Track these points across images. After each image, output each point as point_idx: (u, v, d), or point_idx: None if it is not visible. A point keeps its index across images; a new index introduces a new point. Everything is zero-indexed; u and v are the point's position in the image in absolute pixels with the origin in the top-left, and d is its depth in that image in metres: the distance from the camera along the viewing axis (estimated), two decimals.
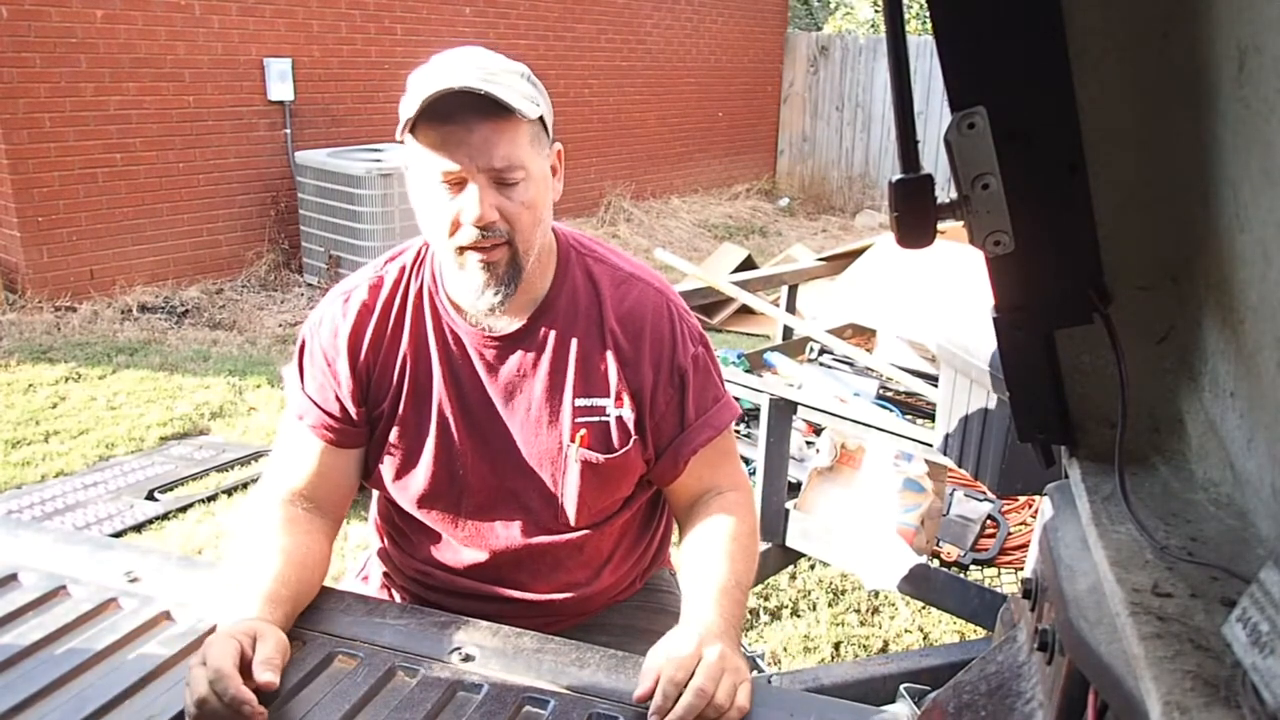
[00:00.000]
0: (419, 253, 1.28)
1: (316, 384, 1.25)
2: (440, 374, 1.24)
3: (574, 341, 1.24)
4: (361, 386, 1.25)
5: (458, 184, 1.11)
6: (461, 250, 1.14)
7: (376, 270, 1.28)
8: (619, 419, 1.24)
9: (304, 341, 1.28)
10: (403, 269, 1.27)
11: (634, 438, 1.25)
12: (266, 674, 0.97)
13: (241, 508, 3.20)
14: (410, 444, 1.26)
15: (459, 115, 1.07)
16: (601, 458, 1.24)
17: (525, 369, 1.24)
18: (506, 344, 1.24)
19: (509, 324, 1.23)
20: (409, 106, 1.08)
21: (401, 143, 1.14)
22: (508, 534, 1.29)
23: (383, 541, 1.42)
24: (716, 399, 1.31)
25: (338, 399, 1.24)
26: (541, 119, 1.15)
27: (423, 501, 1.28)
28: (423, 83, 1.08)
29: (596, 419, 1.24)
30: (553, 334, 1.24)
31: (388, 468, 1.28)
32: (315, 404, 1.25)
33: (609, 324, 1.25)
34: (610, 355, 1.24)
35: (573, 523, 1.28)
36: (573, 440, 1.24)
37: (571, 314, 1.25)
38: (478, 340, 1.24)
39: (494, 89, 1.06)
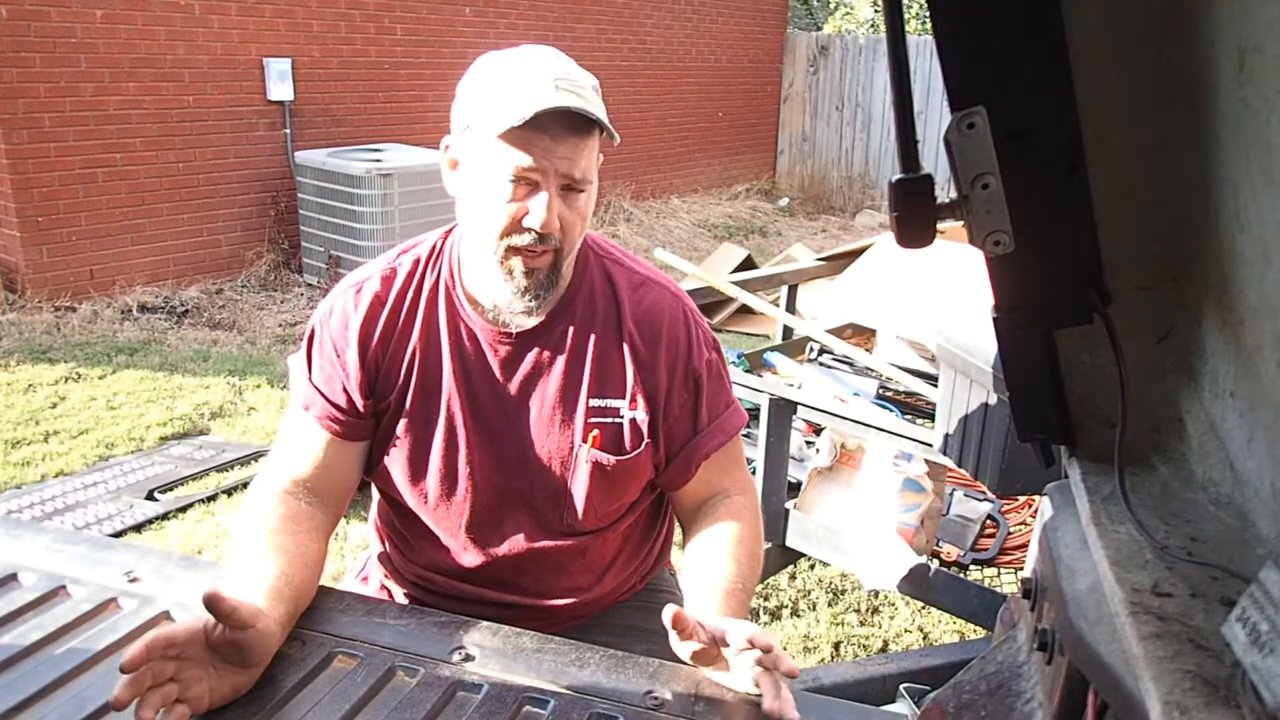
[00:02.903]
0: (435, 245, 1.28)
1: (324, 375, 1.25)
2: (450, 369, 1.23)
3: (591, 341, 1.24)
4: (369, 378, 1.24)
5: (528, 185, 1.12)
6: (509, 250, 1.14)
7: (390, 262, 1.28)
8: (633, 421, 1.24)
9: (313, 331, 1.28)
10: (417, 261, 1.27)
11: (646, 440, 1.25)
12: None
13: (243, 502, 3.20)
14: (416, 439, 1.25)
15: (550, 126, 1.09)
16: (613, 459, 1.24)
17: (540, 367, 1.24)
18: (522, 341, 1.24)
19: (526, 321, 1.23)
20: (500, 108, 1.08)
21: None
22: (512, 536, 1.28)
23: (383, 545, 1.41)
24: (728, 404, 1.32)
25: (345, 390, 1.24)
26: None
27: (427, 498, 1.27)
28: (512, 87, 1.09)
29: (610, 420, 1.24)
30: (570, 333, 1.24)
31: (392, 462, 1.27)
32: (322, 395, 1.24)
33: (626, 326, 1.25)
34: (627, 356, 1.24)
35: (579, 525, 1.28)
36: (585, 440, 1.24)
37: (589, 314, 1.25)
38: (492, 336, 1.24)
39: (588, 107, 1.09)
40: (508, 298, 1.17)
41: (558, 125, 1.09)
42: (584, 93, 1.11)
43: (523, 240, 1.13)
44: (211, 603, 0.92)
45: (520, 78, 1.10)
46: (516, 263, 1.15)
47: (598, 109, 1.12)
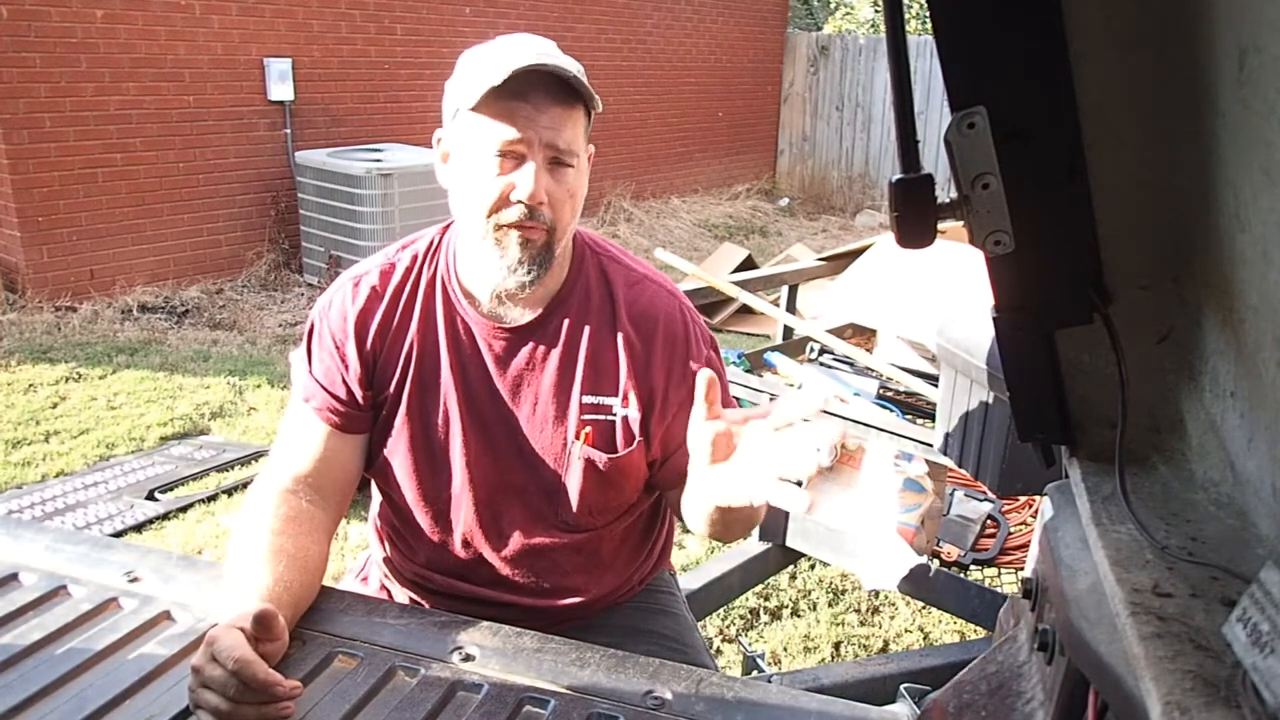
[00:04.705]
0: (432, 241, 1.29)
1: (324, 367, 1.26)
2: (448, 363, 1.24)
3: (585, 337, 1.24)
4: (368, 370, 1.25)
5: (514, 160, 1.12)
6: (501, 227, 1.14)
7: (389, 257, 1.29)
8: (625, 419, 1.24)
9: (313, 324, 1.28)
10: (415, 257, 1.28)
11: (638, 439, 1.25)
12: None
13: (244, 501, 3.21)
14: (414, 432, 1.26)
15: (531, 94, 1.10)
16: (605, 457, 1.24)
17: (535, 362, 1.24)
18: (517, 336, 1.24)
19: (521, 315, 1.24)
20: (481, 78, 1.09)
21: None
22: (509, 532, 1.28)
23: (382, 545, 1.42)
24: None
25: (344, 382, 1.24)
26: (590, 116, 1.18)
27: (425, 493, 1.28)
28: (492, 61, 1.10)
29: (603, 417, 1.24)
30: (565, 328, 1.24)
31: (391, 455, 1.28)
32: (322, 387, 1.25)
33: (622, 323, 1.25)
34: (622, 353, 1.24)
35: (574, 521, 1.28)
36: (578, 438, 1.24)
37: (584, 310, 1.25)
38: (488, 331, 1.24)
39: (568, 69, 1.10)
40: (502, 272, 1.16)
41: (539, 93, 1.10)
42: (567, 65, 1.11)
43: (512, 216, 1.13)
44: (268, 622, 0.95)
45: (501, 54, 1.11)
46: (510, 234, 1.14)
47: (582, 81, 1.12)
